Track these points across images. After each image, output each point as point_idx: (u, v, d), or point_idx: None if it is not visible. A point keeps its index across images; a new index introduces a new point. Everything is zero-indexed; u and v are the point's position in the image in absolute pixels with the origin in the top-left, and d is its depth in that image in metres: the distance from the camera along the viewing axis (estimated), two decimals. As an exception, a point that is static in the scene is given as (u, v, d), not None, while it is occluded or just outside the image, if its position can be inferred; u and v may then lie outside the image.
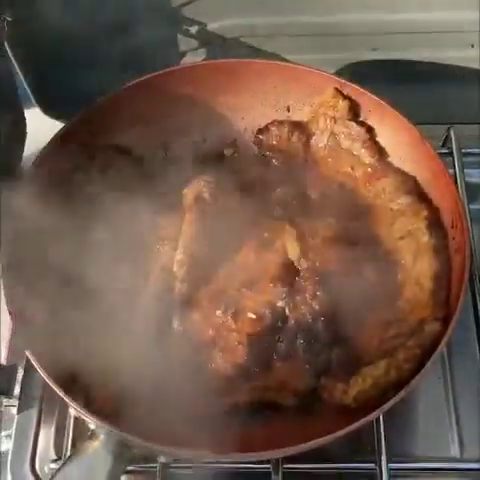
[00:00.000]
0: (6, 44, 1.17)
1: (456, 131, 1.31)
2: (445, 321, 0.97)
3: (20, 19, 1.15)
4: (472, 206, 1.24)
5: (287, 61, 1.33)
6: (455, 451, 1.09)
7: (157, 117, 1.22)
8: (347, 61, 1.41)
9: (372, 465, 1.03)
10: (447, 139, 1.32)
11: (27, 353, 0.91)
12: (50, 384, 0.89)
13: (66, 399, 0.87)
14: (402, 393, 0.89)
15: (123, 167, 1.18)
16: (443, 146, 1.32)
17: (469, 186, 1.27)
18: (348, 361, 1.00)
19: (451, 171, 1.24)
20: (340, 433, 0.86)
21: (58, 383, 0.89)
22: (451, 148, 1.30)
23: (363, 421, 0.87)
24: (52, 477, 0.90)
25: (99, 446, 0.90)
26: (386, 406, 0.88)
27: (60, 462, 1.06)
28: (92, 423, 0.88)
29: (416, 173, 1.14)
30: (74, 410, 0.91)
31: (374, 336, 1.02)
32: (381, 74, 1.38)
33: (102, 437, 0.90)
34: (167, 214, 1.13)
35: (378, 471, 1.02)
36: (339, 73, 1.40)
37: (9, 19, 1.12)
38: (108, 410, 0.93)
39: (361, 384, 0.93)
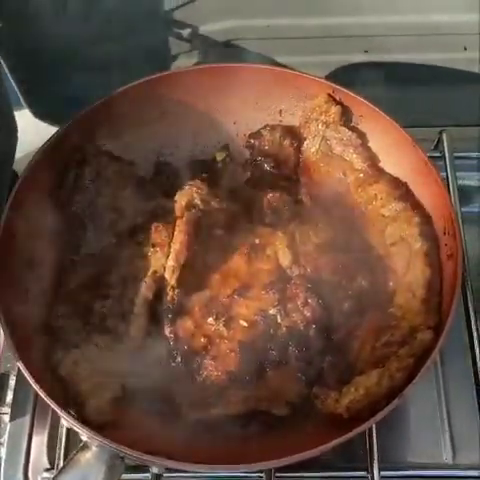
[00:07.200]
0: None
1: (448, 134, 1.30)
2: (437, 329, 0.97)
3: (11, 24, 1.14)
4: (464, 209, 1.25)
5: (279, 64, 1.32)
6: (447, 456, 1.09)
7: (148, 122, 1.21)
8: (338, 63, 1.41)
9: (364, 473, 1.04)
10: (439, 142, 1.31)
11: (18, 364, 0.91)
12: (42, 396, 0.88)
13: (59, 411, 0.87)
14: (395, 403, 0.89)
15: (115, 172, 1.17)
16: (435, 149, 1.32)
17: (461, 189, 1.27)
18: (340, 369, 1.01)
19: (443, 174, 1.24)
20: (331, 444, 0.87)
21: (50, 394, 0.89)
22: (443, 151, 1.29)
23: (355, 432, 0.88)
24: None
25: (92, 457, 0.90)
26: (378, 416, 0.88)
27: (53, 471, 1.06)
28: (84, 435, 0.88)
29: (408, 179, 1.13)
30: (66, 422, 0.90)
31: (366, 343, 1.02)
32: (372, 77, 1.38)
33: (94, 448, 0.90)
34: (158, 220, 1.13)
35: (370, 479, 1.03)
36: (330, 75, 1.40)
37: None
38: (100, 421, 0.93)
39: (353, 393, 0.93)
